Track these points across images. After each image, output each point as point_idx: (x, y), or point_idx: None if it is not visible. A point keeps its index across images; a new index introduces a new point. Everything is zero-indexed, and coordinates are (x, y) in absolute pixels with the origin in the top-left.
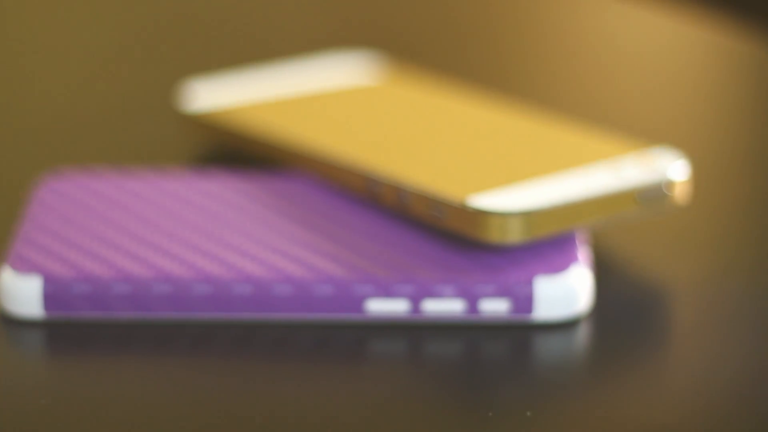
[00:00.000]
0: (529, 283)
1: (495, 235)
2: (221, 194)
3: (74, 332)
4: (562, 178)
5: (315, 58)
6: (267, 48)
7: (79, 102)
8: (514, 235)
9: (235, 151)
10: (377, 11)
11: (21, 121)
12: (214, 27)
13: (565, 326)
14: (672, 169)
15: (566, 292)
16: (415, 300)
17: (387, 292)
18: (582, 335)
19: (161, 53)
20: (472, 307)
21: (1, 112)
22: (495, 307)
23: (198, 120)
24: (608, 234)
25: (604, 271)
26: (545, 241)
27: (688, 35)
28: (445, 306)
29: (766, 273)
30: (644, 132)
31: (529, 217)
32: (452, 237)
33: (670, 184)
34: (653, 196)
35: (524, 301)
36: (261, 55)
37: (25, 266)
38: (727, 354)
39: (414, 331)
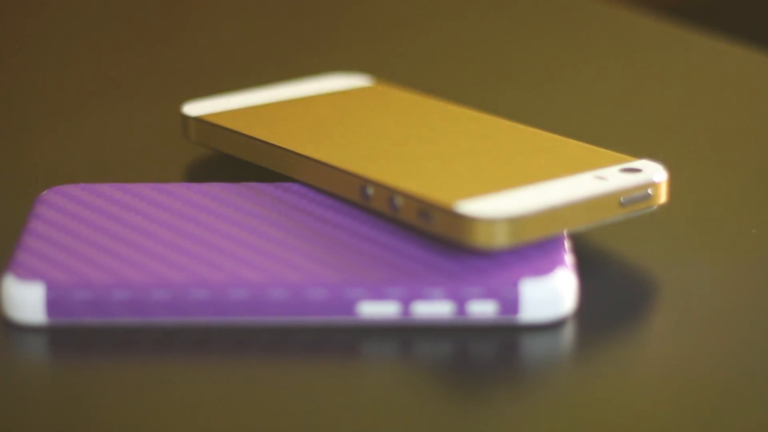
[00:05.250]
0: (515, 286)
1: (482, 239)
2: (216, 203)
3: (75, 337)
4: (547, 184)
5: (308, 81)
6: (257, 76)
7: (81, 121)
8: (501, 239)
9: (229, 161)
10: (364, 40)
11: (23, 140)
12: (208, 56)
13: (551, 327)
14: (654, 172)
15: (552, 294)
16: (406, 302)
17: (378, 295)
18: (567, 335)
19: (159, 77)
20: (461, 309)
21: (5, 131)
22: (482, 309)
23: (195, 125)
24: (592, 234)
25: (588, 271)
26: (531, 245)
27: (676, 40)
28: (435, 308)
29: (746, 272)
30: (626, 138)
31: (515, 222)
32: (441, 241)
33: (652, 187)
34: (636, 199)
35: (511, 303)
36: (250, 83)
37: (27, 273)
38: (709, 351)
39: (404, 333)
